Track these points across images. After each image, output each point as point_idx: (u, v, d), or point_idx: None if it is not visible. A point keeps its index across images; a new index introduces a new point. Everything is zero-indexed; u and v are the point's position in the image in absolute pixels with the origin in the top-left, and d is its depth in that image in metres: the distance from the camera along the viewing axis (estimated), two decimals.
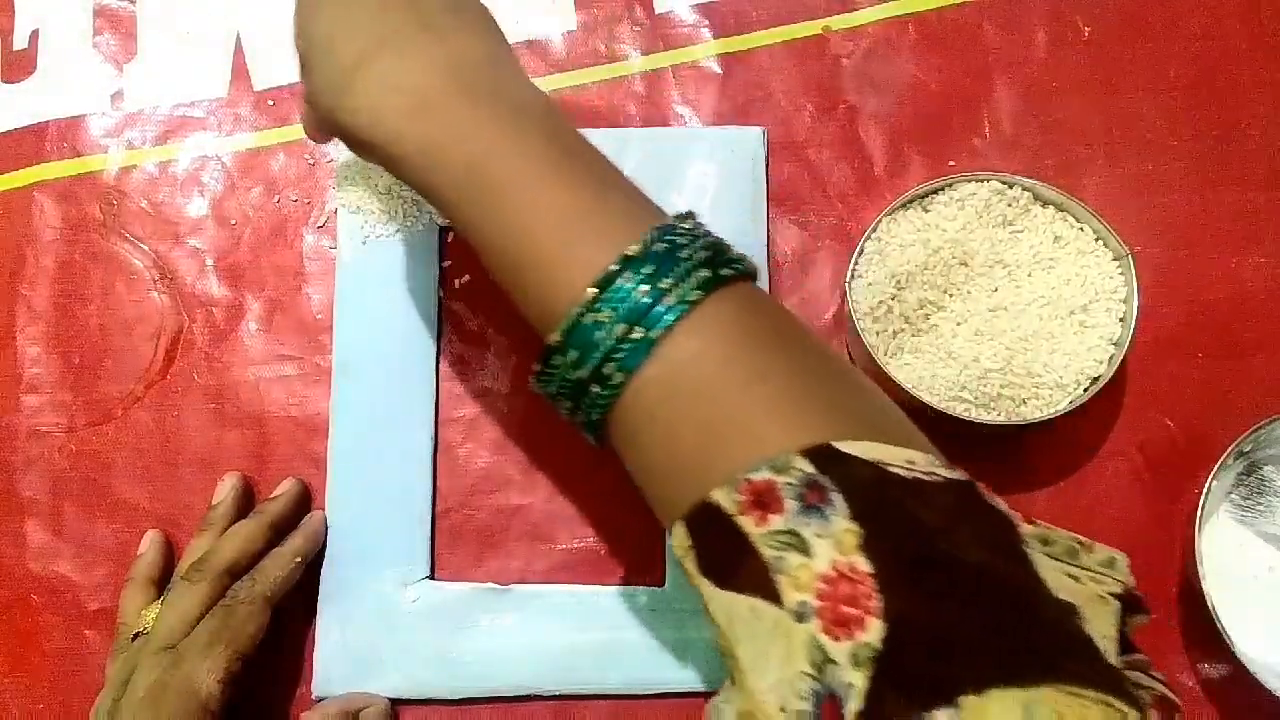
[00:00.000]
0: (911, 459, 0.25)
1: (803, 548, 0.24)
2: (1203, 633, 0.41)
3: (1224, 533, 0.42)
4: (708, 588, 0.26)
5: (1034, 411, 0.41)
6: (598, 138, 0.46)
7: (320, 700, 0.42)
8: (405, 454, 0.44)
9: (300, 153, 0.49)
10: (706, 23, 0.50)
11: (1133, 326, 0.41)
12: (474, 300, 0.47)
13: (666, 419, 0.27)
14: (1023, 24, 0.49)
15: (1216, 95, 0.48)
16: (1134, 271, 0.41)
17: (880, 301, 0.42)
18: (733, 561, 0.25)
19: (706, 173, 0.46)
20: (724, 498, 0.25)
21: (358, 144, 0.32)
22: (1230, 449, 0.40)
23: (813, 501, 0.24)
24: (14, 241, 0.48)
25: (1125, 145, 0.48)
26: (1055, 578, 0.24)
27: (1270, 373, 0.45)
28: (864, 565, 0.23)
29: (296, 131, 0.49)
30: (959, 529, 0.24)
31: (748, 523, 0.24)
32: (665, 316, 0.26)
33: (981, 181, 0.43)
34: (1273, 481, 0.42)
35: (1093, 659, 0.23)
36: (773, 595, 0.24)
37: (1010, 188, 0.43)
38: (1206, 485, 0.40)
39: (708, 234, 0.29)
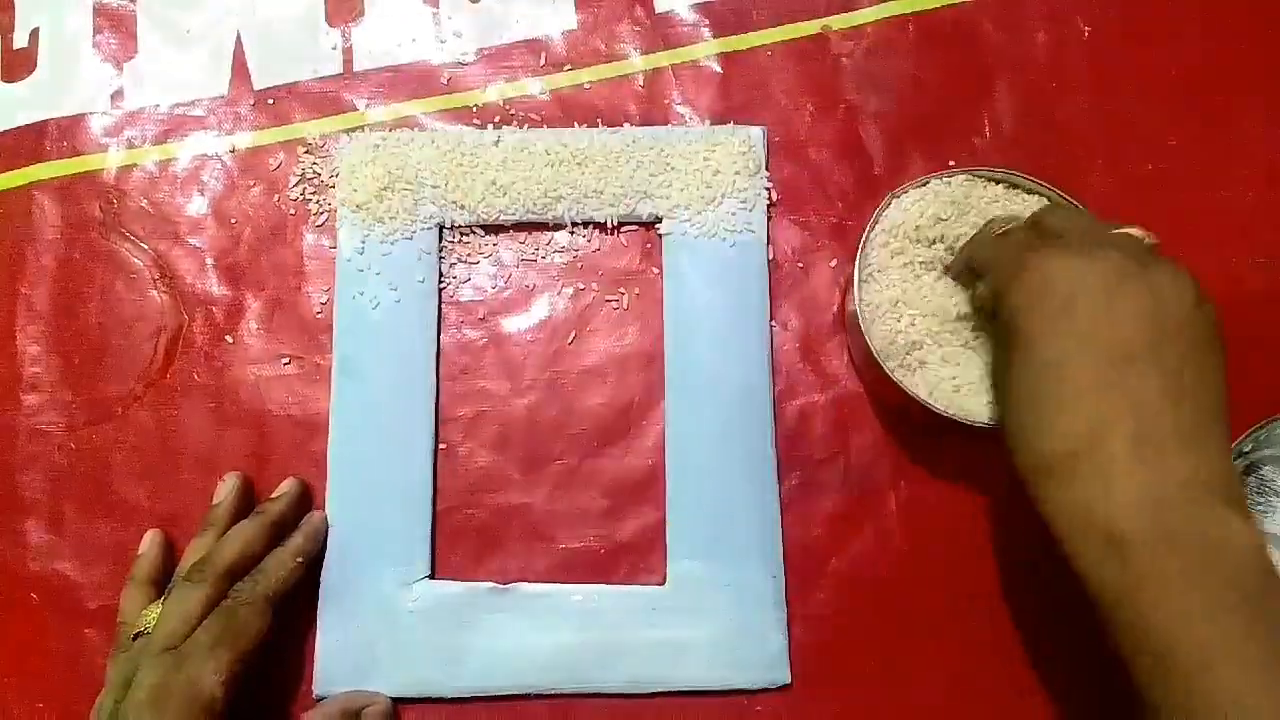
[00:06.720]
0: None
1: None
2: None
3: None
4: None
5: None
6: (598, 137, 0.47)
7: (321, 699, 0.42)
8: (405, 454, 0.44)
9: (300, 152, 0.49)
10: (707, 22, 0.50)
11: None
12: (474, 300, 0.47)
13: None
14: (1023, 24, 0.49)
15: (1216, 95, 0.48)
16: None
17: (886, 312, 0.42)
18: None
19: (707, 172, 0.46)
20: None
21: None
22: (1230, 449, 0.40)
23: None
24: (14, 241, 0.48)
25: (1125, 145, 0.48)
26: None
27: (1270, 373, 0.45)
28: None
29: (296, 131, 0.49)
30: None
31: None
32: None
33: (981, 181, 0.43)
34: (1273, 481, 0.42)
35: None
36: None
37: (1011, 188, 0.43)
38: None
39: None
